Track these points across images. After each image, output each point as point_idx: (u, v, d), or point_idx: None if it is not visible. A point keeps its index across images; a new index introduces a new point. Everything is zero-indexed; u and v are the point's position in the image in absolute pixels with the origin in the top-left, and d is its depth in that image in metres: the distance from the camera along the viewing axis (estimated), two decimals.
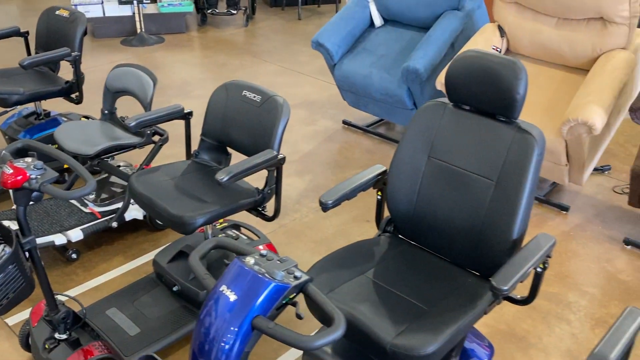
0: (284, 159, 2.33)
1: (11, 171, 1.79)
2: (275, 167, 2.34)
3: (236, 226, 2.82)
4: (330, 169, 3.85)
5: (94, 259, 2.94)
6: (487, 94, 1.86)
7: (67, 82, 3.40)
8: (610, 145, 4.22)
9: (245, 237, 2.74)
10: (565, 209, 3.44)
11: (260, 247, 2.66)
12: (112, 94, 3.11)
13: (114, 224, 2.94)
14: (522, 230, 1.85)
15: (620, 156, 4.07)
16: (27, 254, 1.93)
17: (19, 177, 1.79)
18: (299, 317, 1.28)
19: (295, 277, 1.35)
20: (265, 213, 2.49)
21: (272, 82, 5.30)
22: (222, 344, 1.31)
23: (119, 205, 3.02)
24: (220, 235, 2.49)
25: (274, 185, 2.41)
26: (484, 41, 3.46)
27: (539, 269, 1.88)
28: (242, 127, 2.50)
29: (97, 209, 2.97)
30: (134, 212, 3.03)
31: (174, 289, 2.50)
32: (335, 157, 4.01)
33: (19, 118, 3.57)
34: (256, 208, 2.47)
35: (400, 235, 2.18)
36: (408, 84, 3.67)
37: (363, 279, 1.93)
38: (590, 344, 2.51)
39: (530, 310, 2.70)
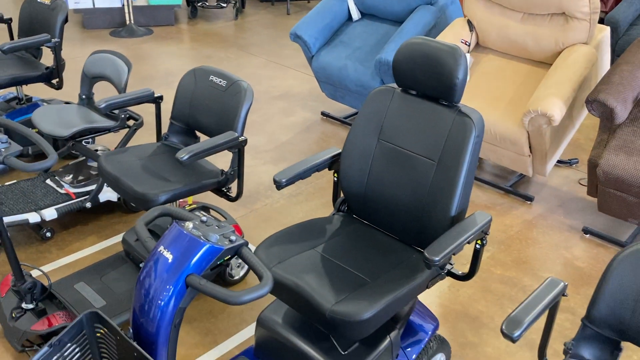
0: (245, 141, 2.43)
1: None
2: (237, 148, 2.44)
3: (205, 208, 2.91)
4: (305, 158, 3.95)
5: (68, 238, 3.04)
6: (430, 79, 1.97)
7: (47, 67, 3.50)
8: (580, 140, 4.33)
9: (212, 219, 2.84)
10: (529, 199, 3.54)
11: None
12: (89, 79, 3.21)
13: (88, 204, 3.04)
14: (461, 207, 1.96)
15: (589, 150, 4.18)
16: None
17: None
18: (230, 276, 1.38)
19: (230, 241, 1.46)
20: (230, 194, 2.60)
21: (256, 74, 5.40)
22: (159, 302, 1.41)
23: (94, 187, 3.12)
24: None
25: (237, 167, 2.51)
26: (453, 35, 3.57)
27: (477, 246, 1.99)
28: (208, 110, 2.60)
29: (73, 190, 3.07)
30: (109, 194, 3.13)
31: (141, 265, 2.60)
32: (311, 146, 4.11)
33: (1, 102, 3.67)
34: (220, 189, 2.57)
35: (354, 215, 2.29)
36: (381, 75, 3.77)
37: (312, 252, 2.03)
38: (538, 325, 2.62)
39: (486, 293, 2.80)
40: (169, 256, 1.40)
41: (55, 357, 1.45)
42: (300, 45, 4.15)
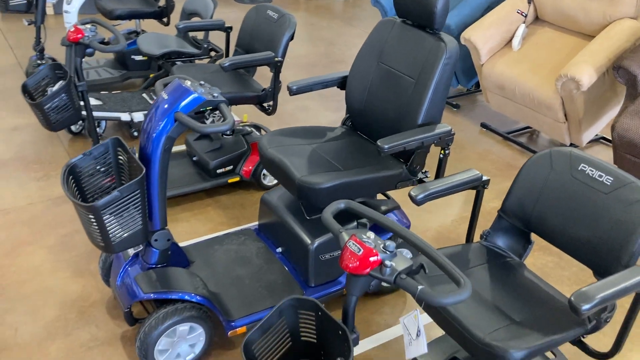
0: (280, 62, 2.94)
1: (73, 29, 2.57)
2: (274, 67, 2.95)
3: (256, 126, 3.47)
4: None
5: None
6: (418, 10, 2.33)
7: (160, 7, 4.25)
8: None
9: (259, 134, 3.39)
10: None
11: None
12: (186, 15, 3.89)
13: None
14: (428, 119, 2.30)
15: None
16: (80, 95, 2.73)
17: (78, 35, 2.57)
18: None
19: (213, 96, 1.97)
20: (268, 109, 3.12)
21: (349, 41, 5.88)
22: (154, 133, 1.95)
23: None
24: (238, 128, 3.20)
25: (274, 85, 3.02)
26: (512, 6, 3.79)
27: (441, 155, 2.33)
28: (261, 39, 3.14)
29: None
30: None
31: (194, 158, 3.22)
32: None
33: (125, 34, 4.49)
34: (260, 103, 3.10)
35: (357, 131, 2.70)
36: None
37: (307, 146, 2.48)
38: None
39: None
40: (166, 97, 1.94)
41: (86, 162, 2.05)
42: (379, 9, 4.57)
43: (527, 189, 1.93)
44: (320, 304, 1.51)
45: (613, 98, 3.54)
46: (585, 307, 1.42)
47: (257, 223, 2.99)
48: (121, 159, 2.09)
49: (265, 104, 3.12)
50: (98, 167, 2.06)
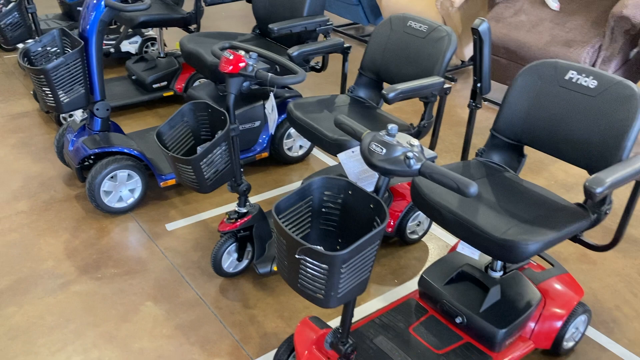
0: None
1: None
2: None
3: None
4: None
5: None
6: None
7: None
8: None
9: None
10: (453, 80, 4.39)
11: None
12: None
13: (112, 50, 4.27)
14: (311, 12, 2.93)
15: None
16: (31, 16, 3.26)
17: None
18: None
19: None
20: (193, 31, 3.70)
21: None
22: (90, 18, 2.53)
23: None
24: None
25: (195, 9, 3.61)
26: None
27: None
28: None
29: (105, 41, 4.31)
30: (129, 47, 4.34)
31: (133, 77, 3.79)
32: None
33: None
34: (186, 25, 3.68)
35: (266, 37, 3.31)
36: None
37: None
38: None
39: None
40: None
41: (37, 47, 2.60)
42: None
43: (373, 47, 2.57)
44: (209, 102, 2.12)
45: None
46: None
47: None
48: (67, 45, 2.66)
49: (191, 27, 3.70)
50: (48, 49, 2.62)
